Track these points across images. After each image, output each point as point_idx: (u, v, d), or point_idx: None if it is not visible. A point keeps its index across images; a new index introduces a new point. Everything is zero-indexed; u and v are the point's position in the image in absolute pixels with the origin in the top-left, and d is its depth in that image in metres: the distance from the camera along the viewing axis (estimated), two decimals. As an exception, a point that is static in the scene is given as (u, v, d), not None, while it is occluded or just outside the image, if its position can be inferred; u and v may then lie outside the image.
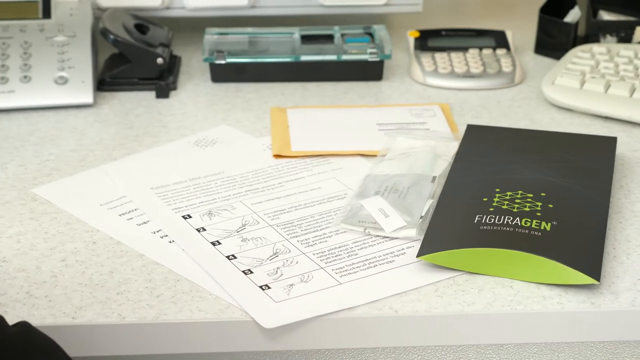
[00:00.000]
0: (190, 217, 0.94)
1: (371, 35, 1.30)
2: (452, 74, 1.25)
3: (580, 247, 0.84)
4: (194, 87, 1.25)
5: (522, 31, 1.39)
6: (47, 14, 1.27)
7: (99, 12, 1.29)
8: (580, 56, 1.22)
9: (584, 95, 1.14)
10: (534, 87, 1.23)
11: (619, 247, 0.88)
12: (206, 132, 1.12)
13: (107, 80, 1.25)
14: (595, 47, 1.24)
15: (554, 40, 1.32)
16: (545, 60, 1.32)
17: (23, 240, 0.91)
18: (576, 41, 1.30)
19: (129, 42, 1.22)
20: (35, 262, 0.87)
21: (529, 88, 1.23)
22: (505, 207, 0.89)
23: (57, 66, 1.20)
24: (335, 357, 0.85)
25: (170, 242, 0.90)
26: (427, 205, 0.93)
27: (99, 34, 1.23)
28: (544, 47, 1.33)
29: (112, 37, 1.22)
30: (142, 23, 1.29)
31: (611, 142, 1.03)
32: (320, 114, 1.15)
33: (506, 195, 0.91)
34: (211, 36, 1.29)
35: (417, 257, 0.85)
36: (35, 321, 0.79)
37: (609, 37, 1.28)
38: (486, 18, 1.48)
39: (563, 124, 1.13)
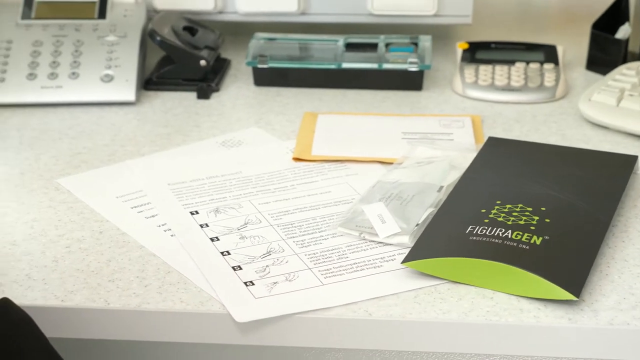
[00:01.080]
0: (197, 213, 0.98)
1: (417, 45, 1.32)
2: (492, 87, 1.26)
3: (566, 262, 0.85)
4: (237, 90, 1.30)
5: (578, 47, 1.38)
6: (102, 14, 1.34)
7: (154, 14, 1.35)
8: (625, 73, 1.22)
9: (618, 112, 1.14)
10: (574, 104, 1.23)
11: (614, 265, 0.88)
12: (235, 134, 1.17)
13: (153, 79, 1.31)
14: (643, 65, 1.23)
15: (605, 57, 1.31)
16: (595, 77, 1.31)
17: (36, 226, 0.97)
18: (626, 58, 1.30)
19: (173, 44, 1.28)
20: (42, 247, 0.93)
21: (569, 104, 1.24)
22: (500, 219, 0.91)
23: (105, 64, 1.27)
24: (320, 357, 0.88)
25: (171, 235, 0.95)
26: (426, 213, 0.95)
27: (149, 35, 1.29)
28: (595, 64, 1.33)
29: (158, 38, 1.27)
30: (192, 26, 1.34)
31: (630, 160, 1.02)
32: (349, 121, 1.18)
33: (505, 208, 0.92)
34: (257, 41, 1.34)
35: (401, 263, 0.87)
36: (26, 301, 0.85)
37: (659, 55, 1.27)
38: (545, 32, 1.48)
39: (593, 141, 1.13)
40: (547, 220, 0.90)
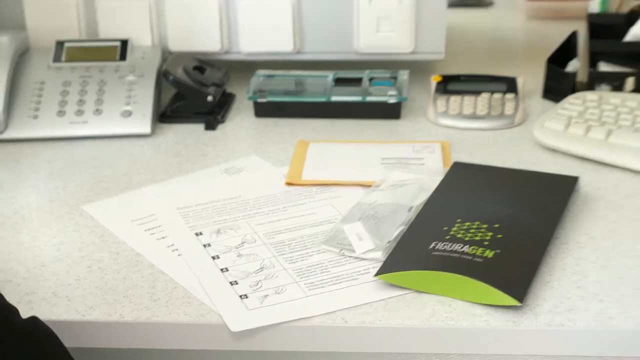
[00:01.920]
0: (201, 234, 1.02)
1: (396, 79, 1.36)
2: (460, 115, 1.29)
3: (513, 272, 0.88)
4: (240, 121, 1.34)
5: (537, 78, 1.42)
6: (123, 57, 1.38)
7: (169, 55, 1.39)
8: (572, 102, 1.25)
9: (566, 137, 1.17)
10: (530, 129, 1.26)
11: (555, 274, 0.92)
12: (236, 161, 1.20)
13: (167, 113, 1.35)
14: (589, 95, 1.26)
15: (558, 87, 1.35)
16: (550, 105, 1.35)
17: (62, 249, 1.01)
18: (575, 88, 1.33)
19: (184, 82, 1.32)
20: (67, 267, 0.97)
21: (525, 130, 1.27)
22: (460, 235, 0.94)
23: (125, 101, 1.31)
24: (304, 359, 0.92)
25: (178, 255, 0.99)
26: (397, 231, 0.98)
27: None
28: (550, 93, 1.36)
29: (170, 77, 1.32)
30: (202, 65, 1.38)
31: (572, 181, 1.06)
32: (336, 148, 1.22)
33: (464, 225, 0.96)
34: (257, 78, 1.38)
35: (374, 276, 0.91)
36: (52, 316, 0.88)
37: (603, 86, 1.30)
38: (510, 65, 1.52)
39: (545, 163, 1.16)
40: (499, 236, 0.94)
